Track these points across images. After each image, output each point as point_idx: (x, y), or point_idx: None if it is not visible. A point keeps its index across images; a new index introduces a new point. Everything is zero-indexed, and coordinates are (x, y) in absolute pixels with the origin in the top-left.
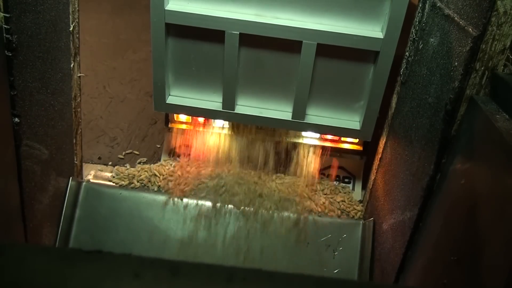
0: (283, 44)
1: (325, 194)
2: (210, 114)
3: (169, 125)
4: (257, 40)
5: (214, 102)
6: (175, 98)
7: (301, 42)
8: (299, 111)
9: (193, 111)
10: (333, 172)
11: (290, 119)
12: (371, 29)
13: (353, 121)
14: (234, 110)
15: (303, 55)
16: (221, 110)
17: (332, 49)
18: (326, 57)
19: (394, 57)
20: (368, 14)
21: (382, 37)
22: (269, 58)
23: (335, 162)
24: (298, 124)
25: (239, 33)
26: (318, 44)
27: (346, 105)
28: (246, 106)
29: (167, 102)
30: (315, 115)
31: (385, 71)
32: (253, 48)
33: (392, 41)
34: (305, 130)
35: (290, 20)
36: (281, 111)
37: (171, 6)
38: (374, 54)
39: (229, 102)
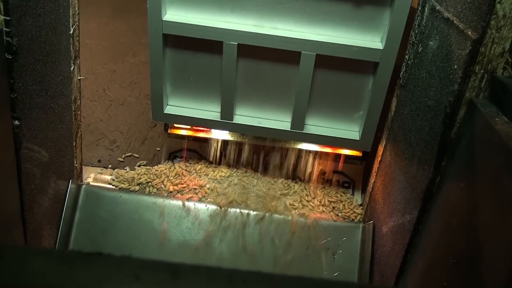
0: (282, 54)
1: (324, 198)
2: (208, 124)
3: (168, 131)
4: (255, 50)
5: (212, 112)
6: (173, 108)
7: (300, 53)
8: (298, 121)
9: (191, 121)
10: (333, 177)
11: (289, 129)
12: (370, 40)
13: (353, 131)
14: (232, 120)
15: (302, 66)
16: (220, 120)
17: (331, 60)
18: (325, 67)
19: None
20: (368, 24)
21: (381, 48)
22: (268, 69)
23: (334, 167)
24: (297, 135)
25: (237, 43)
26: (317, 55)
27: (345, 115)
28: (244, 116)
29: (165, 112)
30: (314, 125)
31: (384, 81)
32: (251, 59)
33: (392, 52)
34: (304, 141)
35: (289, 30)
36: (280, 121)
37: (168, 16)
38: (374, 64)
39: (227, 112)
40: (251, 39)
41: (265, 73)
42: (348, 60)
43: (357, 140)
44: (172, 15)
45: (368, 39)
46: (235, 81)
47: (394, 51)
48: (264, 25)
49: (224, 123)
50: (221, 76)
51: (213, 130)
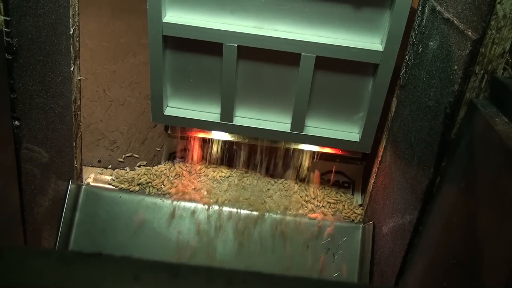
0: (282, 56)
1: (324, 199)
2: (208, 126)
3: (169, 132)
4: (255, 52)
5: (212, 113)
6: (173, 110)
7: (300, 54)
8: (297, 123)
9: (191, 123)
10: (332, 177)
11: (289, 131)
12: (370, 42)
13: (353, 133)
14: (232, 122)
15: (302, 68)
16: (220, 121)
17: (331, 62)
18: (325, 69)
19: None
20: (368, 26)
21: (381, 49)
22: (268, 70)
23: (334, 167)
24: (297, 136)
25: (237, 45)
26: (317, 56)
27: (345, 117)
28: (244, 118)
29: (165, 113)
30: (314, 126)
31: (384, 83)
32: (251, 60)
33: (392, 54)
34: (304, 143)
35: (289, 32)
36: (280, 123)
37: (168, 18)
38: (374, 66)
39: (227, 113)
40: (251, 40)
41: (265, 74)
42: (348, 61)
43: (357, 141)
44: (172, 16)
45: (368, 41)
46: (235, 83)
47: (394, 53)
48: (264, 26)
49: (224, 124)
50: (221, 77)
51: (213, 131)
